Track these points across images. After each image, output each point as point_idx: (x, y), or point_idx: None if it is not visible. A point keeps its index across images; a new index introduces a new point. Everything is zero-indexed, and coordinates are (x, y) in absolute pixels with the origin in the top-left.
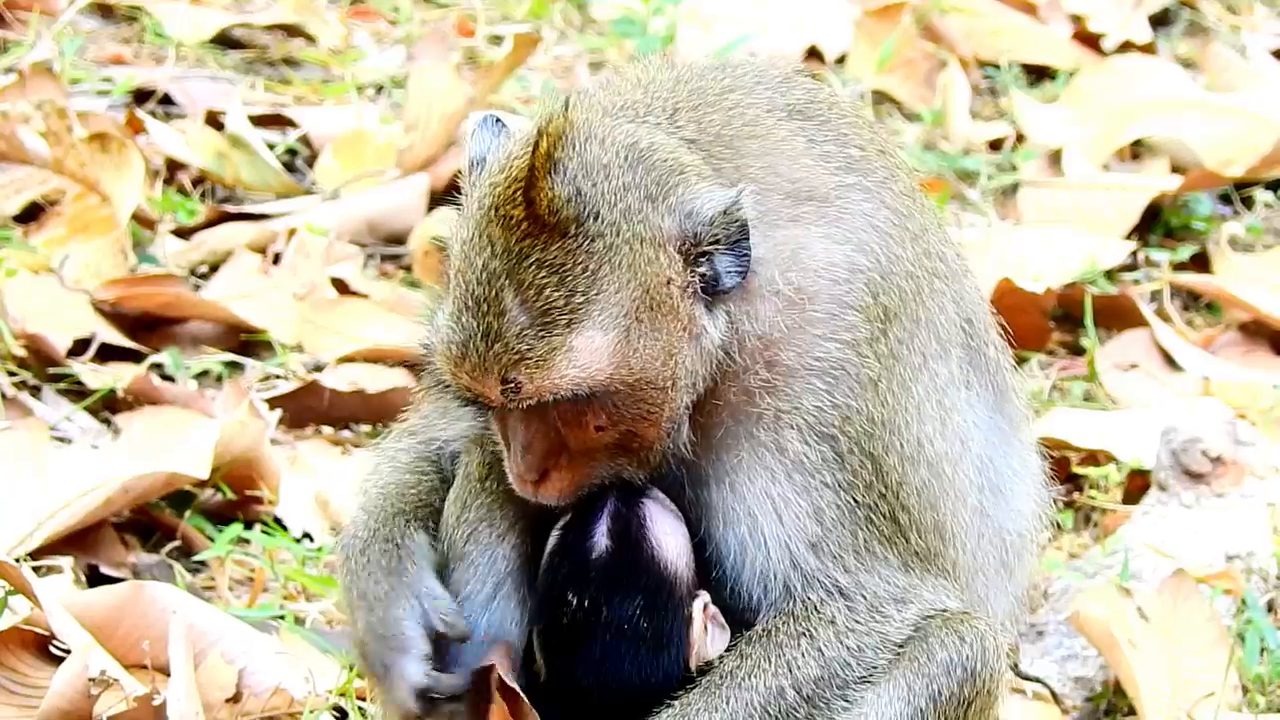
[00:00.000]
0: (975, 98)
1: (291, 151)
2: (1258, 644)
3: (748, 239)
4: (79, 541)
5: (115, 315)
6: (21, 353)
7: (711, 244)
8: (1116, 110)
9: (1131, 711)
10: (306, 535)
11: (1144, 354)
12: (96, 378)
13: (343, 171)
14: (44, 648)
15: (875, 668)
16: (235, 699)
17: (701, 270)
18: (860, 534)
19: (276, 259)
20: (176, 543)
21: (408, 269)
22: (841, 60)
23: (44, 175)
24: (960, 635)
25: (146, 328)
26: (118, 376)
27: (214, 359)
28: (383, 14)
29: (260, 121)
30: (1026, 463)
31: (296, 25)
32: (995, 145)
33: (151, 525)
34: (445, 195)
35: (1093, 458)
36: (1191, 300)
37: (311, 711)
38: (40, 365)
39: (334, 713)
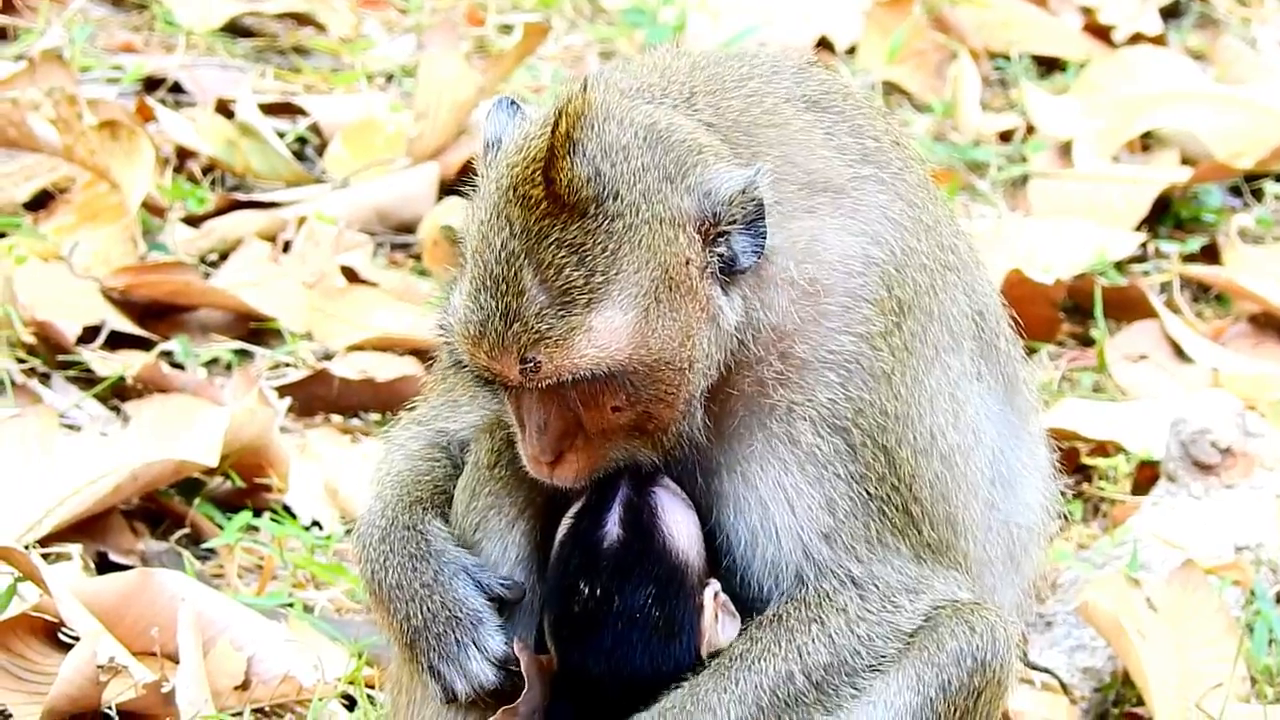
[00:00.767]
0: (985, 89)
1: (301, 140)
2: (1266, 635)
3: (764, 219)
4: (88, 529)
5: (125, 303)
6: (31, 340)
7: (729, 224)
8: (1127, 102)
9: (1140, 702)
10: (316, 523)
11: (1153, 345)
12: (106, 365)
13: (352, 160)
14: (53, 635)
15: (885, 657)
16: (244, 686)
17: (719, 251)
18: (873, 525)
19: (286, 247)
20: (185, 530)
21: (417, 258)
22: (852, 51)
23: (54, 163)
24: (970, 625)
25: (156, 315)
26: (127, 364)
27: (223, 347)
28: (393, 3)
29: (270, 110)
30: (1035, 455)
31: (306, 14)
32: (1005, 137)
33: (160, 513)
34: (455, 184)
35: (1102, 449)
36: (1201, 292)
37: (320, 699)
38: (50, 352)
39: (343, 700)
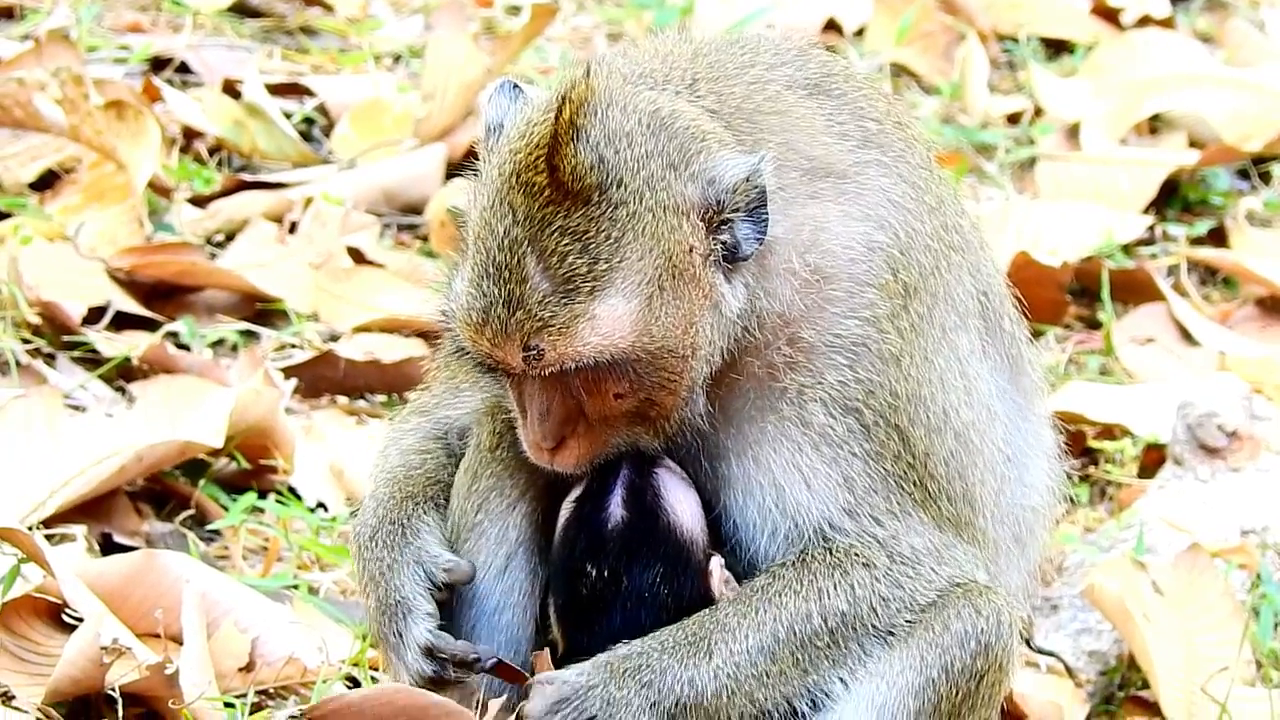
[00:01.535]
0: (993, 71)
1: (308, 120)
2: (1272, 619)
3: (766, 206)
4: (92, 510)
5: (130, 283)
6: (36, 320)
7: (733, 211)
8: (1135, 85)
9: (1145, 685)
10: (321, 505)
11: (1161, 328)
12: (111, 346)
13: (360, 141)
14: (56, 616)
15: (895, 627)
16: (248, 668)
17: (723, 238)
18: (894, 498)
19: (293, 228)
20: (190, 512)
21: (424, 239)
22: (860, 33)
23: (60, 143)
24: (977, 609)
25: (162, 296)
26: (133, 345)
27: (229, 328)
28: None
29: (277, 90)
30: (1041, 436)
31: None
32: (1013, 119)
33: (165, 494)
34: (462, 165)
35: (1108, 432)
36: (1208, 275)
37: (325, 681)
38: (55, 333)
39: (347, 682)
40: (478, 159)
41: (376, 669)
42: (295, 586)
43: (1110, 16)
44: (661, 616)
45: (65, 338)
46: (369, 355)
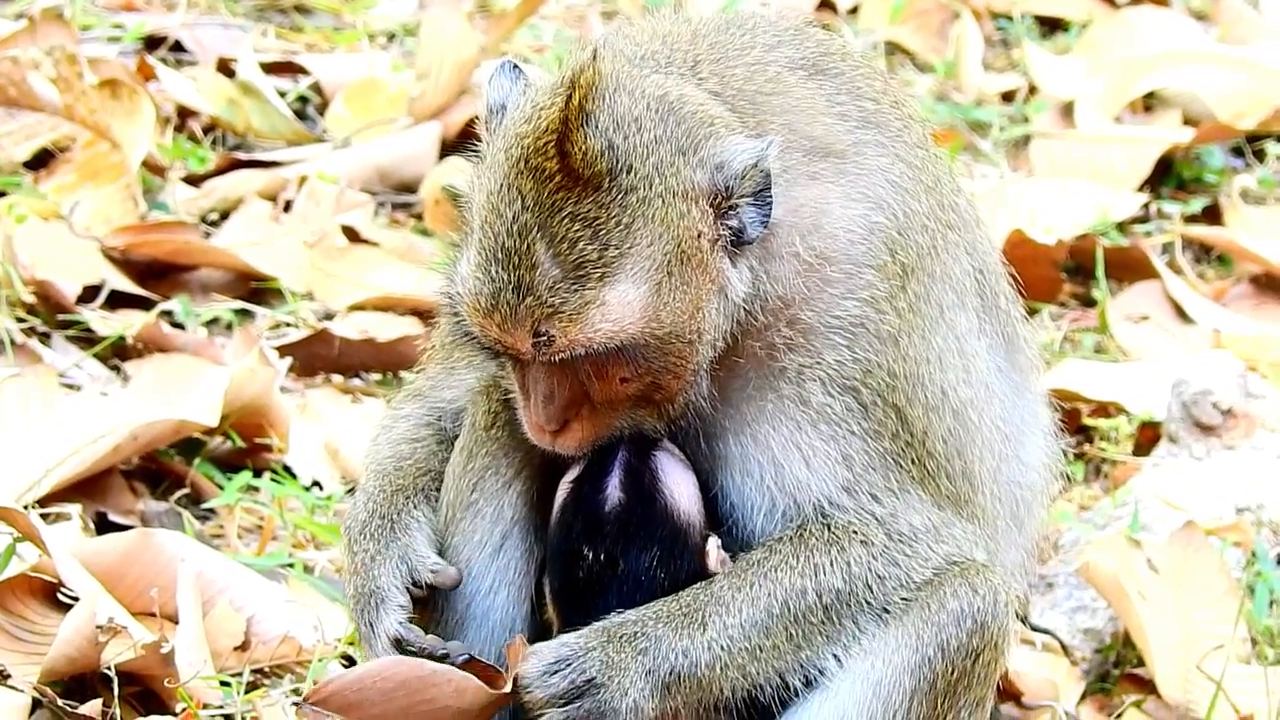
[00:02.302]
0: (988, 49)
1: (303, 99)
2: (1267, 596)
3: (770, 189)
4: (87, 489)
5: (125, 262)
6: (31, 299)
7: (740, 196)
8: (1129, 62)
9: (1140, 663)
10: (316, 483)
11: (1155, 306)
12: (106, 325)
13: (354, 119)
14: (52, 595)
15: (891, 605)
16: (244, 647)
17: (730, 223)
18: (893, 476)
19: (287, 206)
20: (185, 490)
21: (419, 217)
22: (854, 11)
23: (54, 122)
24: (974, 587)
25: (156, 275)
26: (127, 324)
27: (224, 306)
28: None
29: (271, 69)
30: (1037, 414)
31: None
32: (1008, 97)
33: (160, 473)
34: (457, 144)
35: (1103, 409)
36: (1203, 253)
37: (320, 660)
38: (50, 312)
39: (343, 661)
40: (474, 138)
41: None
42: (290, 565)
43: None
44: (657, 599)
45: (60, 316)
46: (364, 334)
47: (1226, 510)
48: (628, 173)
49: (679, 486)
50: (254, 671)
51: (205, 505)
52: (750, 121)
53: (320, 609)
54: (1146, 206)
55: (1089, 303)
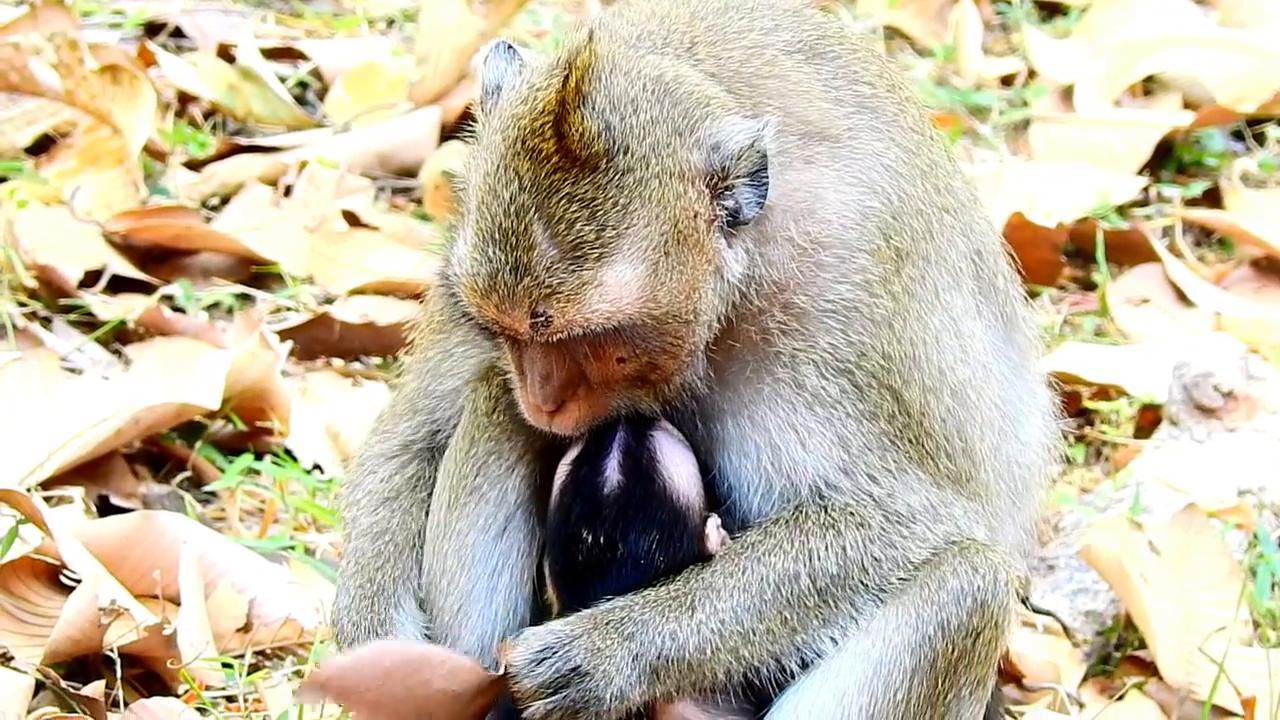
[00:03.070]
0: (987, 33)
1: (303, 85)
2: (1269, 578)
3: (766, 170)
4: (90, 472)
5: (126, 247)
6: (33, 284)
7: (736, 177)
8: (1129, 46)
9: (1142, 645)
10: (317, 466)
11: (1156, 289)
12: (107, 309)
13: (354, 105)
14: (54, 577)
15: (889, 585)
16: (246, 629)
17: (726, 204)
18: (890, 456)
19: (288, 191)
20: (187, 474)
21: (418, 202)
22: None
23: (55, 107)
24: (974, 566)
25: (157, 259)
26: (129, 308)
27: (225, 291)
28: None
29: (271, 55)
30: (1036, 394)
31: None
32: (1007, 81)
33: (162, 456)
34: (456, 128)
35: (1104, 392)
36: (1203, 236)
37: (322, 641)
38: (51, 296)
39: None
40: (474, 122)
41: None
42: (292, 548)
43: None
44: (656, 581)
45: (61, 301)
46: (364, 318)
47: (1228, 492)
48: (624, 154)
49: (677, 467)
50: (256, 653)
51: (207, 488)
52: (747, 103)
53: (322, 591)
54: (1146, 190)
55: (1089, 286)
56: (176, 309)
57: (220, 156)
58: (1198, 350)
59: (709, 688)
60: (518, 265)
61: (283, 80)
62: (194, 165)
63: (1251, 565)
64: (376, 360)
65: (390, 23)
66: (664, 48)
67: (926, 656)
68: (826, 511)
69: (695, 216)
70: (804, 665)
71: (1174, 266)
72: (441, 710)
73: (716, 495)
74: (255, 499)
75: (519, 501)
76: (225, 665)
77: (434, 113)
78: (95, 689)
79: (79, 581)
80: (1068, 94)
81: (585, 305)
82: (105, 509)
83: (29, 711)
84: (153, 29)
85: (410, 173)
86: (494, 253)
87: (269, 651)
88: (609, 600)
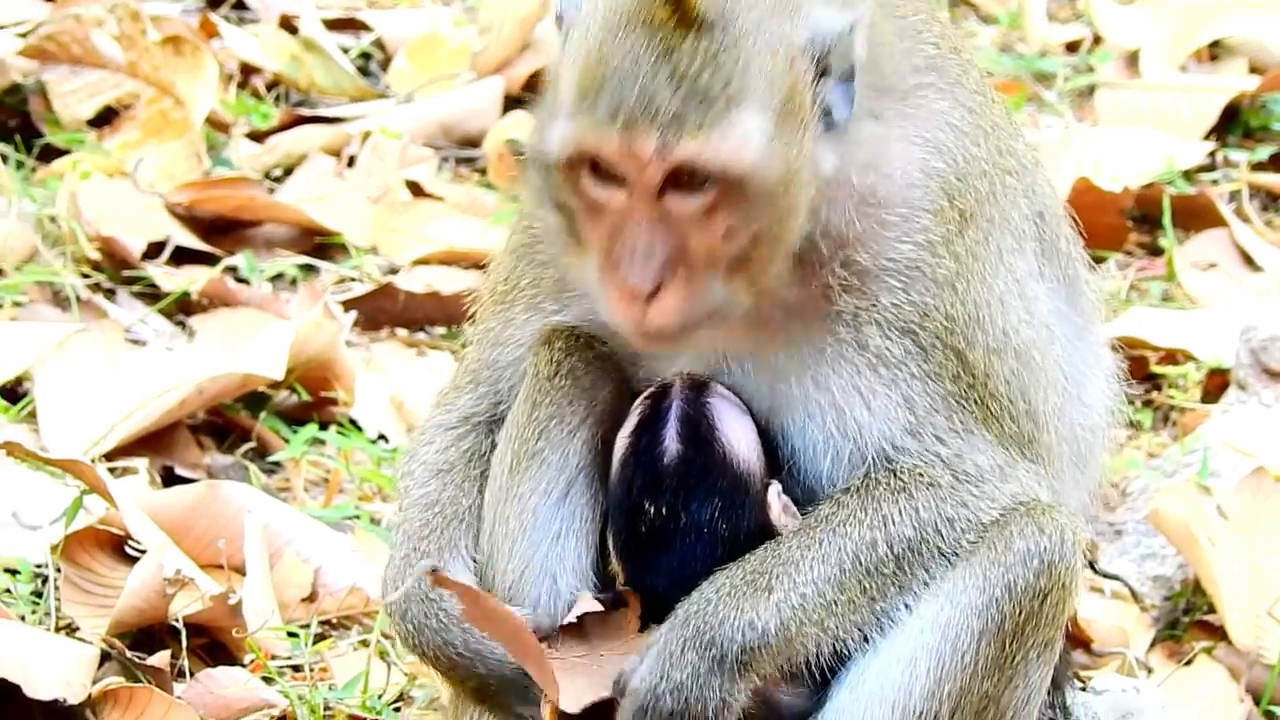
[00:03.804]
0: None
1: (365, 55)
2: None
3: (854, 80)
4: (154, 443)
5: (189, 218)
6: (96, 256)
7: (835, 63)
8: (1194, 11)
9: (1211, 610)
10: (382, 436)
11: (1223, 254)
12: (171, 280)
13: (417, 75)
14: (119, 548)
15: (960, 548)
16: (311, 598)
17: (825, 90)
18: (956, 418)
19: (351, 162)
20: (251, 444)
21: (482, 172)
22: None
23: (118, 79)
24: (1040, 526)
25: (221, 231)
26: (192, 279)
27: (288, 262)
28: None
29: (334, 25)
30: (1099, 356)
31: None
32: (1072, 47)
33: (226, 427)
34: (520, 98)
35: (1171, 357)
36: (1270, 200)
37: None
38: (115, 268)
39: None
40: (536, 91)
41: None
42: (357, 517)
43: None
44: (719, 550)
45: (125, 273)
46: (428, 287)
47: None
48: (738, 19)
49: (736, 433)
50: (321, 623)
51: (271, 459)
52: None
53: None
54: (1213, 155)
55: (1156, 251)
56: (240, 280)
57: (283, 128)
58: (1265, 314)
59: (803, 663)
60: (643, 93)
61: (345, 51)
62: (257, 136)
63: None
64: (441, 330)
65: None
66: None
67: (994, 619)
68: (896, 475)
69: (803, 91)
70: (882, 633)
71: (1241, 231)
72: None
73: (779, 459)
74: (320, 469)
75: (581, 465)
76: (291, 635)
77: (497, 82)
78: (161, 659)
79: (144, 552)
80: (1133, 59)
81: (716, 136)
82: (170, 480)
83: (95, 682)
84: (214, 1)
85: (474, 143)
86: (616, 87)
87: (334, 621)
88: (681, 606)
